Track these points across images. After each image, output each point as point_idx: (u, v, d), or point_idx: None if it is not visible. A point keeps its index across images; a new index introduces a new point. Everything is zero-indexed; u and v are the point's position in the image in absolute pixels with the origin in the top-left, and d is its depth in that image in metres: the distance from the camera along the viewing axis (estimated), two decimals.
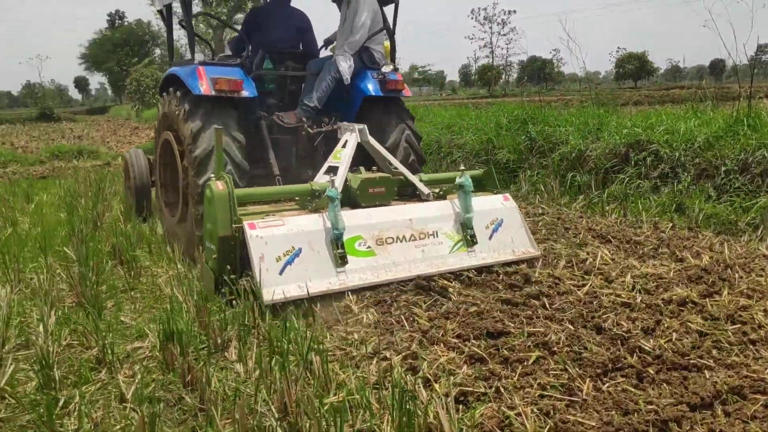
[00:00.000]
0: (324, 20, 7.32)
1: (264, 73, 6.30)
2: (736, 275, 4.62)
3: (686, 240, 5.74)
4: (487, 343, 3.58)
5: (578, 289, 4.50)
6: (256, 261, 4.15)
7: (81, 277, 4.66)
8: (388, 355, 3.48)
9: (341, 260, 4.42)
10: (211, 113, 5.32)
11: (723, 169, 6.69)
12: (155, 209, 7.22)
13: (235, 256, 4.36)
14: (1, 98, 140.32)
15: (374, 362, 3.41)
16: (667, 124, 7.85)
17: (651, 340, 3.61)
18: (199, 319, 3.92)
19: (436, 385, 3.09)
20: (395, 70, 6.21)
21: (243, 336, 3.69)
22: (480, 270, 4.88)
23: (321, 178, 5.13)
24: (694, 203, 6.52)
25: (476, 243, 4.99)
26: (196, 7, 36.40)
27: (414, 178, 5.41)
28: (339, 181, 4.92)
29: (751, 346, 3.52)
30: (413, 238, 4.81)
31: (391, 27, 6.30)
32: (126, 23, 79.56)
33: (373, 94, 5.97)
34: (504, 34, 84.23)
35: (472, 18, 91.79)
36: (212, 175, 4.64)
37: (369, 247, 4.63)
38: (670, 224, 6.30)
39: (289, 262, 4.27)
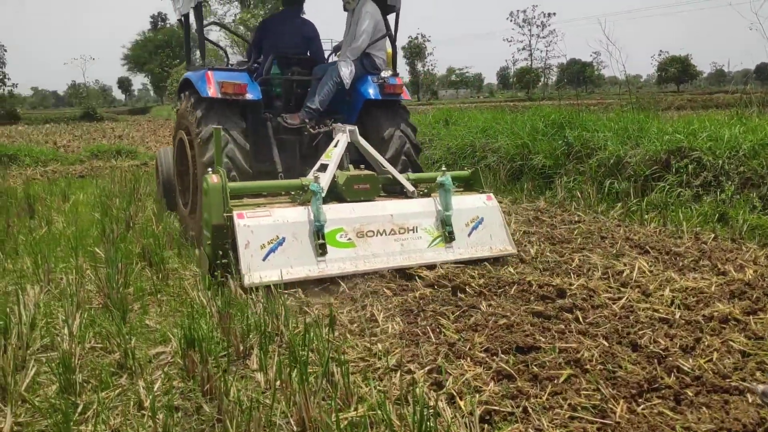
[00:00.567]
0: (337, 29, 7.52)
1: (271, 77, 6.74)
2: None
3: (729, 252, 5.49)
4: (516, 358, 3.44)
5: (614, 303, 4.32)
6: (242, 247, 4.61)
7: (108, 278, 4.66)
8: (412, 368, 3.37)
9: (321, 250, 4.83)
10: (218, 114, 5.79)
11: None
12: (164, 200, 7.74)
13: (227, 243, 4.75)
14: (47, 98, 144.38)
15: (398, 375, 3.30)
16: (710, 131, 7.56)
17: (690, 360, 3.43)
18: (222, 325, 3.86)
19: (461, 402, 2.97)
20: (395, 74, 6.60)
21: (264, 344, 3.62)
22: (511, 282, 4.74)
23: (313, 175, 5.48)
24: (737, 214, 6.25)
25: (454, 239, 5.33)
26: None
27: (400, 177, 5.76)
28: (327, 177, 5.35)
29: None
30: (393, 232, 5.19)
31: (393, 34, 6.73)
32: (168, 25, 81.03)
33: (373, 97, 6.36)
34: (543, 37, 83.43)
35: (510, 20, 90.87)
36: (210, 170, 5.05)
37: (350, 239, 5.03)
38: (712, 235, 6.05)
39: (272, 250, 4.71)
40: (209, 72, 5.84)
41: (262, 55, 6.93)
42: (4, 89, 59.33)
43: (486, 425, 2.82)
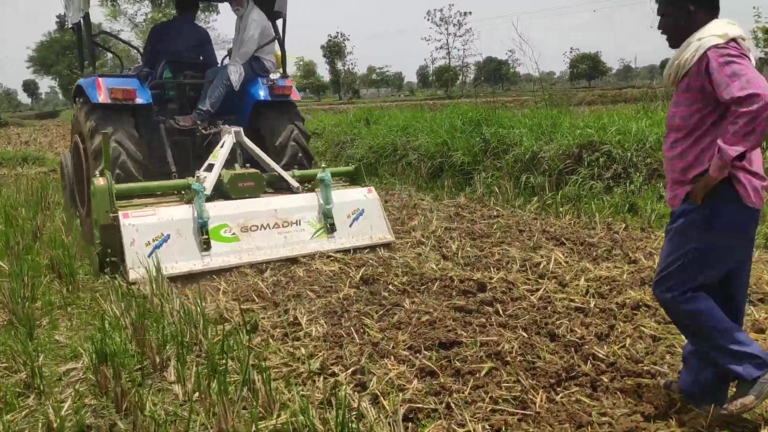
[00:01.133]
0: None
1: (164, 81, 6.99)
2: None
3: (639, 241, 5.74)
4: (438, 354, 3.47)
5: (532, 294, 4.43)
6: (128, 245, 4.91)
7: (12, 293, 4.39)
8: (336, 370, 3.35)
9: (205, 245, 5.15)
10: (109, 119, 5.99)
11: None
12: (71, 205, 7.68)
13: (115, 242, 4.99)
14: None
15: (321, 379, 3.27)
16: (618, 125, 7.88)
17: (605, 347, 3.55)
18: (137, 337, 3.70)
19: (385, 402, 2.96)
20: (285, 76, 6.99)
21: (182, 355, 3.49)
22: (433, 279, 4.78)
23: (200, 174, 5.74)
24: (646, 204, 6.55)
25: (336, 230, 5.74)
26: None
27: (285, 174, 6.09)
28: (213, 176, 5.65)
29: None
30: (277, 225, 5.55)
31: (282, 38, 7.12)
32: None
33: (263, 98, 6.69)
34: (460, 36, 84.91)
35: (428, 19, 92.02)
36: (97, 173, 5.29)
37: (234, 233, 5.36)
38: (624, 225, 6.31)
39: (157, 246, 4.99)
40: (99, 78, 6.08)
41: (154, 59, 7.21)
42: None
43: (410, 423, 2.82)
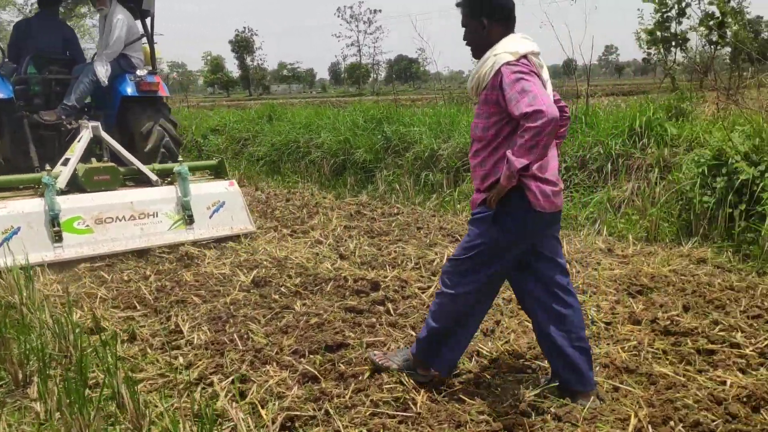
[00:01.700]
0: None
1: (29, 76, 7.02)
2: (574, 270, 4.75)
3: None
4: (323, 358, 3.39)
5: (423, 292, 4.43)
6: None
7: None
8: (215, 380, 3.20)
9: (57, 237, 5.24)
10: None
11: (563, 165, 6.95)
12: None
13: None
14: None
15: (198, 389, 3.12)
16: None
17: (489, 343, 3.59)
18: None
19: (263, 411, 2.85)
20: (153, 73, 7.14)
21: (43, 370, 3.24)
22: (327, 279, 4.70)
23: (58, 168, 5.81)
24: None
25: (194, 222, 5.92)
26: None
27: (144, 167, 6.19)
28: (68, 170, 5.72)
29: None
30: (133, 217, 5.69)
31: (150, 35, 7.33)
32: None
33: (130, 94, 6.85)
34: (370, 33, 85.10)
35: (338, 16, 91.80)
36: None
37: (88, 225, 5.47)
38: None
39: (7, 239, 5.06)
40: None
41: (20, 55, 7.23)
42: None
43: None
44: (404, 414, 2.83)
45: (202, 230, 5.98)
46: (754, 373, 3.11)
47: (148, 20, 7.30)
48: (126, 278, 5.01)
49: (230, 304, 4.31)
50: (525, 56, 2.74)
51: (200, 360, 3.43)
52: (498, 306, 4.10)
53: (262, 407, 2.89)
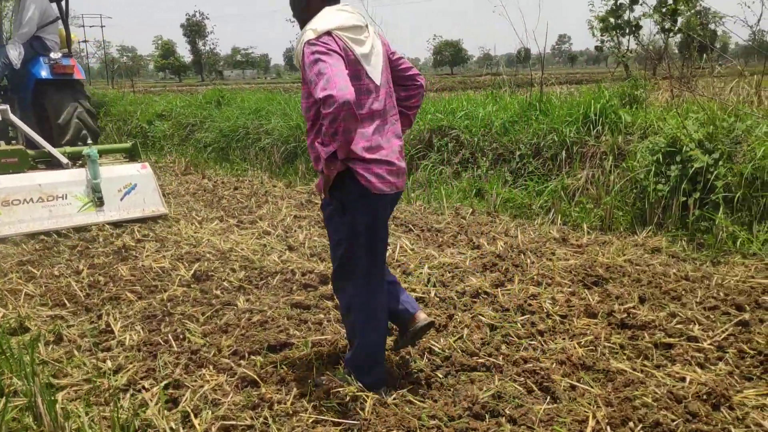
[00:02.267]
0: None
1: None
2: (528, 261, 4.62)
3: (484, 225, 5.73)
4: (264, 359, 3.17)
5: None
6: None
7: None
8: (146, 385, 2.95)
9: None
10: None
11: (518, 153, 6.84)
12: None
13: None
14: None
15: (127, 396, 2.86)
16: (467, 110, 7.92)
17: (441, 340, 3.41)
18: None
19: (196, 421, 2.61)
20: (68, 55, 7.16)
21: None
22: (274, 272, 4.45)
23: None
24: (492, 188, 6.59)
25: (104, 204, 5.98)
26: None
27: (54, 150, 6.27)
28: None
29: (539, 338, 3.44)
30: (41, 200, 5.73)
31: (65, 18, 7.26)
32: None
33: (44, 77, 6.85)
34: None
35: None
36: None
37: None
38: (471, 210, 6.31)
39: None
40: None
41: None
42: None
43: None
44: (349, 421, 2.63)
45: (113, 212, 6.04)
46: (712, 368, 3.01)
47: (63, 2, 7.22)
48: (56, 273, 4.67)
49: (167, 300, 4.03)
50: (329, 33, 2.48)
51: (131, 363, 3.17)
52: (452, 299, 3.94)
53: (195, 416, 2.65)
